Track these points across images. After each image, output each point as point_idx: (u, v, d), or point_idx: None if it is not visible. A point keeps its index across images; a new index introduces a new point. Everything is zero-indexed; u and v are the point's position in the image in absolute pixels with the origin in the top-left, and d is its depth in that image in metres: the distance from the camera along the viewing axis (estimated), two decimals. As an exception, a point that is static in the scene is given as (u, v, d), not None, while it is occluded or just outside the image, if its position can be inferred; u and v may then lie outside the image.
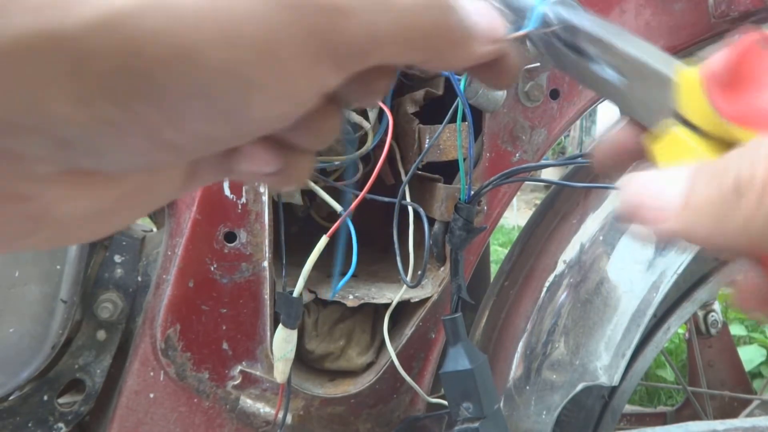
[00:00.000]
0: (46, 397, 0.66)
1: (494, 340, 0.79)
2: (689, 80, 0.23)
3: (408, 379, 0.69)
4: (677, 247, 0.71)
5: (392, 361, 0.69)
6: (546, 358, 0.74)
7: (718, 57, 0.23)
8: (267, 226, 0.65)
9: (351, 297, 0.70)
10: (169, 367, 0.66)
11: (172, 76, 0.18)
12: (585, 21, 0.26)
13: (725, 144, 0.23)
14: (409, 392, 0.72)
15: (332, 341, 0.72)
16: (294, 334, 0.64)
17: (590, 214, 0.76)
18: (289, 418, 0.68)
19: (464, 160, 0.62)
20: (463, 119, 0.60)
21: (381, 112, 0.68)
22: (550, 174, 3.28)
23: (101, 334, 0.67)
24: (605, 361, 0.73)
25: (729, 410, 1.28)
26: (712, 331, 1.24)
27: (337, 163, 0.69)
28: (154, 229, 0.79)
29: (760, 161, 0.18)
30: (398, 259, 0.64)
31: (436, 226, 0.69)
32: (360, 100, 0.23)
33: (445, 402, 0.70)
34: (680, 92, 0.24)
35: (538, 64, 0.27)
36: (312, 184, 0.68)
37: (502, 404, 0.74)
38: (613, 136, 0.27)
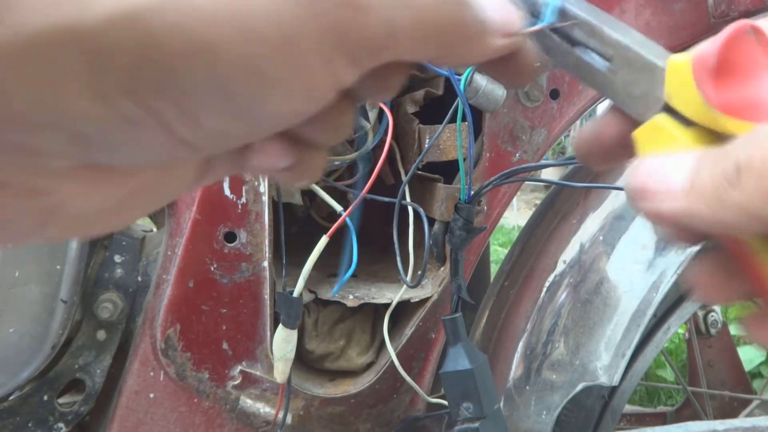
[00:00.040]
0: (46, 397, 0.66)
1: (494, 340, 0.79)
2: (678, 69, 0.23)
3: (408, 379, 0.69)
4: (676, 245, 0.71)
5: (392, 361, 0.69)
6: (546, 358, 0.74)
7: (708, 46, 0.23)
8: (267, 226, 0.65)
9: (351, 297, 0.70)
10: (169, 367, 0.66)
11: (190, 71, 0.18)
12: (580, 8, 0.26)
13: (712, 133, 0.23)
14: (409, 392, 0.72)
15: (332, 341, 0.72)
16: (294, 334, 0.64)
17: (590, 214, 0.76)
18: (289, 418, 0.68)
19: (464, 160, 0.62)
20: (463, 119, 0.60)
21: (381, 112, 0.68)
22: (550, 174, 3.28)
23: (101, 334, 0.67)
24: (605, 361, 0.73)
25: (729, 410, 1.28)
26: (712, 331, 1.24)
27: (337, 163, 0.69)
28: (154, 229, 0.79)
29: (760, 147, 0.19)
30: (398, 259, 0.64)
31: (436, 226, 0.69)
32: (374, 96, 0.23)
33: (445, 402, 0.70)
34: (669, 81, 0.24)
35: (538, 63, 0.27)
36: (312, 184, 0.68)
37: (502, 404, 0.74)
38: (596, 125, 0.27)
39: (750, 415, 1.23)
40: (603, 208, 0.75)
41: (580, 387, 0.73)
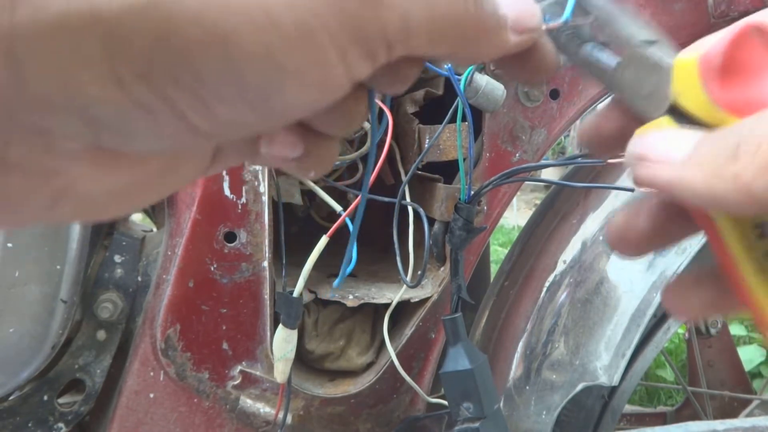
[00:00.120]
0: (46, 397, 0.66)
1: (494, 340, 0.79)
2: (685, 68, 0.23)
3: (408, 379, 0.69)
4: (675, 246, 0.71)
5: (392, 361, 0.69)
6: (546, 358, 0.74)
7: (714, 45, 0.23)
8: (267, 226, 0.65)
9: (351, 297, 0.70)
10: (169, 367, 0.66)
11: (206, 59, 0.18)
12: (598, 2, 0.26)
13: None
14: (409, 392, 0.72)
15: (332, 341, 0.72)
16: (294, 334, 0.64)
17: (590, 214, 0.76)
18: (289, 418, 0.68)
19: (464, 160, 0.62)
20: (463, 119, 0.60)
21: (381, 112, 0.68)
22: (550, 174, 3.28)
23: (101, 334, 0.67)
24: (605, 361, 0.73)
25: (729, 410, 1.28)
26: (712, 331, 1.24)
27: (337, 163, 0.69)
28: (154, 229, 0.79)
29: (760, 127, 0.20)
30: (398, 259, 0.64)
31: (436, 226, 0.69)
32: (387, 88, 0.23)
33: (445, 402, 0.70)
34: (676, 80, 0.24)
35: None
36: (312, 184, 0.68)
37: (502, 404, 0.74)
38: (597, 118, 0.27)
39: (750, 415, 1.23)
40: (603, 208, 0.75)
41: (580, 387, 0.73)
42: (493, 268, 1.20)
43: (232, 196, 0.64)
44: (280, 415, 0.67)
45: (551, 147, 0.74)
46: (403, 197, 0.66)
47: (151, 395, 0.67)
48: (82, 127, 0.19)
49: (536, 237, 0.80)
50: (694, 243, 0.72)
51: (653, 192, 0.24)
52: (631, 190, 0.68)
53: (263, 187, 0.64)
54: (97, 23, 0.17)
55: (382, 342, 0.71)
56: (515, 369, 0.75)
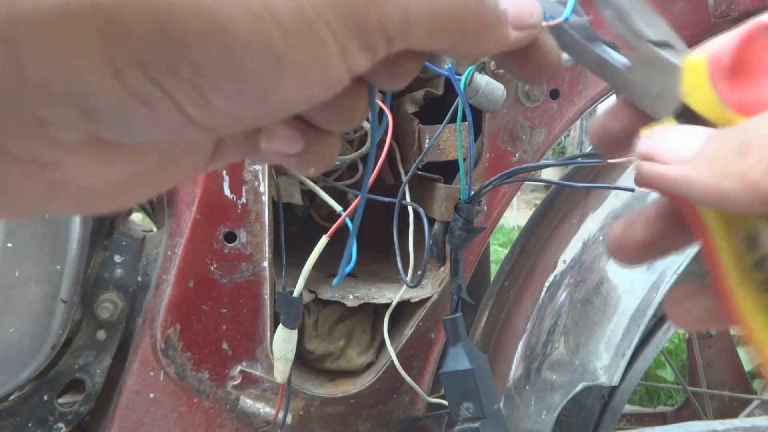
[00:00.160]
0: (46, 397, 0.66)
1: (494, 340, 0.79)
2: (695, 68, 0.23)
3: (408, 379, 0.69)
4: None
5: (392, 361, 0.69)
6: (546, 358, 0.74)
7: (724, 45, 0.23)
8: (267, 226, 0.65)
9: (351, 297, 0.70)
10: (169, 367, 0.66)
11: (205, 50, 0.18)
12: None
13: None
14: (409, 392, 0.72)
15: (332, 341, 0.72)
16: (294, 334, 0.64)
17: (590, 214, 0.76)
18: (289, 418, 0.68)
19: (464, 160, 0.62)
20: (463, 119, 0.60)
21: (381, 111, 0.68)
22: (550, 174, 3.28)
23: (101, 334, 0.67)
24: (605, 361, 0.73)
25: (729, 410, 1.28)
26: (712, 331, 1.24)
27: (337, 162, 0.69)
28: (154, 229, 0.79)
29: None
30: (398, 259, 0.64)
31: (436, 226, 0.69)
32: (387, 83, 0.23)
33: (445, 402, 0.70)
34: (686, 80, 0.24)
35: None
36: (312, 184, 0.68)
37: (502, 404, 0.74)
38: (605, 117, 0.27)
39: (750, 415, 1.23)
40: (603, 208, 0.75)
41: (580, 387, 0.73)
42: (493, 268, 1.20)
43: (232, 196, 0.64)
44: (280, 415, 0.67)
45: (551, 147, 0.74)
46: (403, 197, 0.66)
47: (151, 395, 0.67)
48: (80, 118, 0.19)
49: (536, 237, 0.80)
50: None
51: (656, 191, 0.24)
52: (632, 190, 0.68)
53: (263, 187, 0.64)
54: (97, 11, 0.17)
55: (382, 342, 0.71)
56: (515, 369, 0.75)
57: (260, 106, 0.20)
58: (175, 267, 0.65)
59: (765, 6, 0.65)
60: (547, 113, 0.70)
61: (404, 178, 0.67)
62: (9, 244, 0.59)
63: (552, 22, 0.25)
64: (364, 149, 0.69)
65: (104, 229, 0.69)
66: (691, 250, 0.72)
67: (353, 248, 0.57)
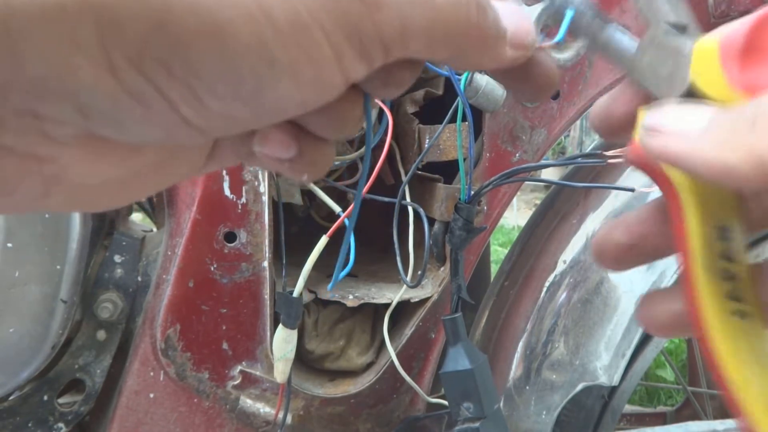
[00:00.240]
0: (46, 397, 0.66)
1: (494, 340, 0.79)
2: (705, 50, 0.23)
3: (408, 379, 0.69)
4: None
5: (392, 361, 0.69)
6: (546, 358, 0.74)
7: (735, 28, 0.23)
8: (267, 226, 0.65)
9: (351, 297, 0.70)
10: (169, 367, 0.66)
11: (201, 50, 0.18)
12: None
13: None
14: (409, 392, 0.72)
15: (332, 341, 0.72)
16: (294, 334, 0.64)
17: (590, 214, 0.76)
18: (289, 418, 0.68)
19: (464, 160, 0.62)
20: (463, 119, 0.60)
21: (381, 111, 0.68)
22: (550, 174, 3.28)
23: (101, 334, 0.67)
24: (605, 361, 0.73)
25: (729, 410, 1.28)
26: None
27: (337, 163, 0.69)
28: (154, 229, 0.79)
29: None
30: (398, 259, 0.64)
31: (436, 226, 0.69)
32: (381, 92, 0.23)
33: (445, 402, 0.70)
34: (695, 62, 0.24)
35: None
36: (312, 185, 0.68)
37: (502, 404, 0.74)
38: (609, 99, 0.27)
39: (750, 415, 1.22)
40: (603, 208, 0.75)
41: (580, 387, 0.73)
42: (493, 268, 1.20)
43: (232, 196, 0.64)
44: (280, 415, 0.67)
45: (551, 147, 0.74)
46: (403, 197, 0.66)
47: (151, 395, 0.67)
48: (75, 114, 0.19)
49: (536, 237, 0.80)
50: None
51: (659, 162, 0.23)
52: (632, 190, 0.68)
53: (263, 187, 0.64)
54: (96, 8, 0.17)
55: (382, 342, 0.71)
56: (515, 369, 0.75)
57: (255, 108, 0.20)
58: (175, 267, 0.65)
59: (765, 5, 0.65)
60: (547, 113, 0.70)
61: (404, 178, 0.67)
62: (9, 244, 0.59)
63: (545, 45, 0.26)
64: (363, 149, 0.69)
65: (104, 229, 0.69)
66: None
67: (351, 251, 0.57)
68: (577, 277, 0.74)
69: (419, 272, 0.64)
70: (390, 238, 0.67)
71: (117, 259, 0.67)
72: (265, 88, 0.19)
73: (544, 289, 0.76)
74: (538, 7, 0.26)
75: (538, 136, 0.70)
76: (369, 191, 0.63)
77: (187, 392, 0.67)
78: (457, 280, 0.60)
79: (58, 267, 0.61)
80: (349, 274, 0.62)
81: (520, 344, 0.75)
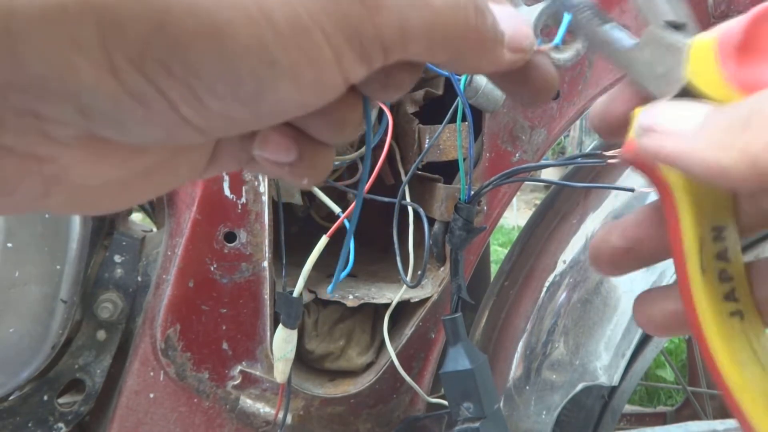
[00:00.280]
0: (46, 397, 0.66)
1: (494, 340, 0.79)
2: (703, 47, 0.23)
3: (408, 379, 0.69)
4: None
5: (392, 361, 0.69)
6: (546, 358, 0.74)
7: (732, 26, 0.23)
8: (267, 226, 0.65)
9: (351, 297, 0.70)
10: (169, 367, 0.66)
11: (201, 51, 0.18)
12: None
13: None
14: (409, 392, 0.72)
15: (332, 341, 0.72)
16: (294, 334, 0.64)
17: (590, 214, 0.76)
18: (289, 418, 0.68)
19: (464, 160, 0.62)
20: (463, 119, 0.60)
21: (381, 112, 0.68)
22: (550, 174, 3.28)
23: (101, 334, 0.67)
24: (605, 361, 0.73)
25: (729, 410, 1.28)
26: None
27: (337, 163, 0.69)
28: (154, 229, 0.79)
29: None
30: (398, 259, 0.64)
31: (436, 226, 0.69)
32: (380, 94, 0.23)
33: (445, 402, 0.70)
34: (692, 59, 0.24)
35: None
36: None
37: (502, 404, 0.74)
38: (607, 99, 0.27)
39: (750, 415, 1.22)
40: (603, 208, 0.75)
41: (580, 387, 0.73)
42: (493, 268, 1.20)
43: (232, 196, 0.64)
44: (280, 415, 0.67)
45: (551, 147, 0.74)
46: (403, 197, 0.66)
47: (151, 395, 0.67)
48: (76, 115, 0.19)
49: (536, 237, 0.80)
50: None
51: (654, 162, 0.23)
52: (631, 190, 0.68)
53: (263, 187, 0.64)
54: (97, 9, 0.17)
55: (382, 342, 0.71)
56: (515, 369, 0.75)
57: (255, 108, 0.20)
58: (175, 267, 0.65)
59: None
60: (547, 113, 0.70)
61: (404, 178, 0.67)
62: (9, 244, 0.59)
63: (543, 48, 0.26)
64: (364, 149, 0.69)
65: (104, 229, 0.69)
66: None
67: (350, 252, 0.57)
68: (577, 277, 0.74)
69: (419, 272, 0.64)
70: (390, 238, 0.67)
71: (117, 259, 0.67)
72: (265, 88, 0.19)
73: (544, 289, 0.76)
74: (538, 7, 0.26)
75: (538, 136, 0.70)
76: (369, 191, 0.63)
77: (187, 392, 0.67)
78: (457, 280, 0.60)
79: (58, 267, 0.61)
80: (349, 274, 0.62)
81: (520, 344, 0.75)
